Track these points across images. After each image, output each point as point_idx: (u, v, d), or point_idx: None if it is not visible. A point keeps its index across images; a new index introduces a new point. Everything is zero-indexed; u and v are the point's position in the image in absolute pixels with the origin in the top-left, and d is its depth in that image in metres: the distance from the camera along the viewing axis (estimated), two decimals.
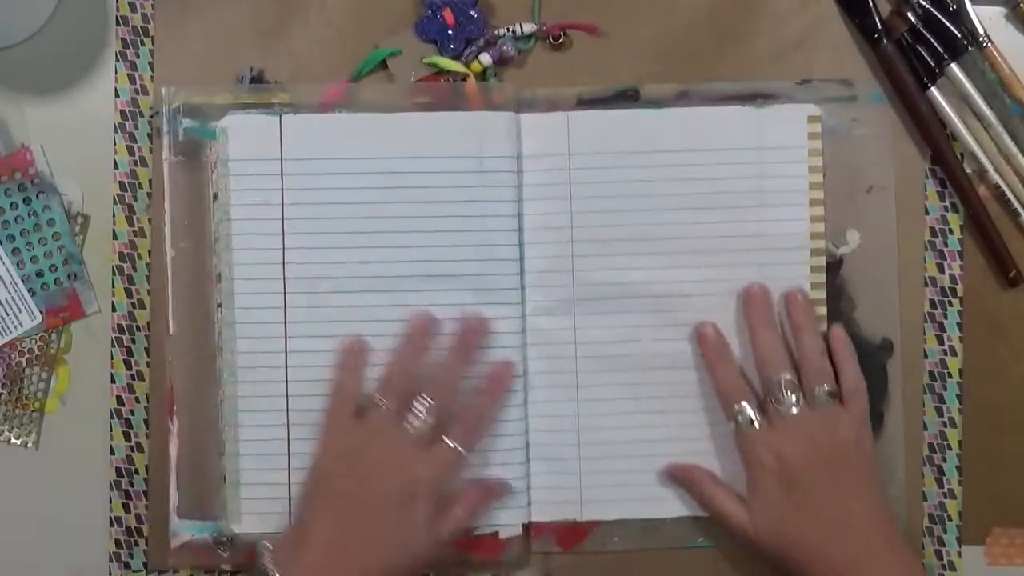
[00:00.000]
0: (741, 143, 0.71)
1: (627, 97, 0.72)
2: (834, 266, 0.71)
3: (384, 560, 0.65)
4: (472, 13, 0.71)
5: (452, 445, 0.67)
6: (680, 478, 0.71)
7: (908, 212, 0.72)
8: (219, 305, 0.71)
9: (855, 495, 0.67)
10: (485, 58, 0.71)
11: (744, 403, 0.68)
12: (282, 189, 0.70)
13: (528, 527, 0.71)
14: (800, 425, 0.67)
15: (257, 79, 0.72)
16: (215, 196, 0.71)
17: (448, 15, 0.71)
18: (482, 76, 0.72)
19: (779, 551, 0.66)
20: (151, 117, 0.72)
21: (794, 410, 0.67)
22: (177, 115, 0.71)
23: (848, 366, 0.69)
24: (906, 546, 0.67)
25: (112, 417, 0.72)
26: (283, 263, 0.70)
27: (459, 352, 0.69)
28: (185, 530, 0.71)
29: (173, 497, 0.71)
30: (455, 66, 0.71)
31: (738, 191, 0.71)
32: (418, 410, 0.67)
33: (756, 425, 0.67)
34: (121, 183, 0.73)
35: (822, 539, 0.65)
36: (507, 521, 0.71)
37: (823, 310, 0.71)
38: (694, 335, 0.71)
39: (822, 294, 0.71)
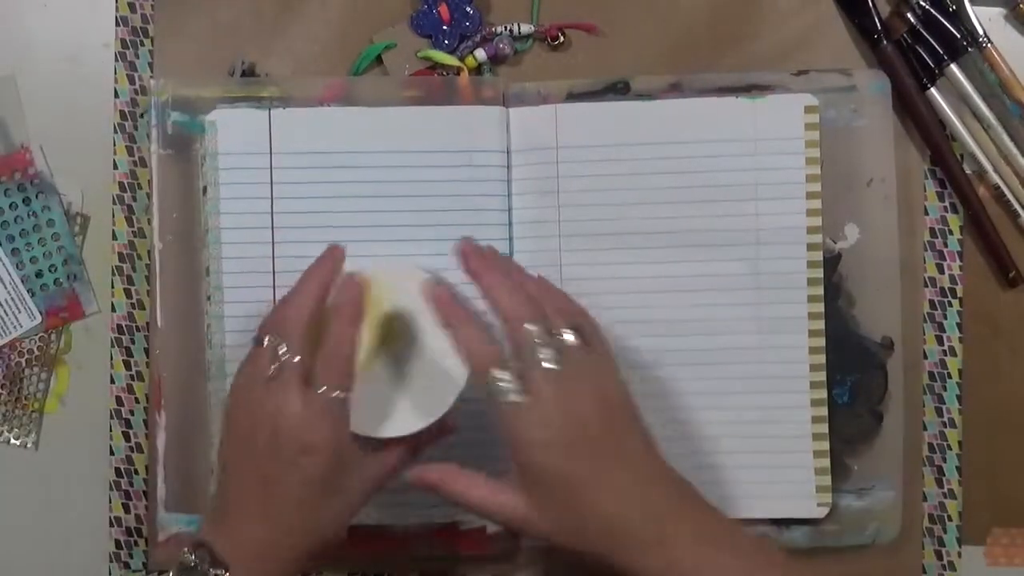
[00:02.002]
0: (735, 134, 0.71)
1: (617, 90, 0.72)
2: (832, 261, 0.71)
3: (295, 520, 0.60)
4: (468, 9, 0.72)
5: (321, 390, 0.60)
6: (429, 487, 0.62)
7: (908, 212, 0.72)
8: (208, 298, 0.71)
9: (638, 449, 0.60)
10: (480, 54, 0.72)
11: (497, 371, 0.59)
12: (271, 183, 0.70)
13: None
14: (562, 383, 0.59)
15: (248, 72, 0.72)
16: (204, 189, 0.71)
17: (444, 10, 0.72)
18: (477, 72, 0.72)
19: (570, 536, 0.59)
20: (142, 114, 0.72)
21: (553, 366, 0.59)
22: (166, 108, 0.71)
23: (566, 301, 0.62)
24: (694, 488, 0.61)
25: (112, 417, 0.72)
26: (272, 257, 0.70)
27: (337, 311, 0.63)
28: (172, 523, 0.71)
29: (161, 490, 0.71)
30: (449, 60, 0.72)
31: (732, 184, 0.70)
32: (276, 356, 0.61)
33: (515, 395, 0.59)
34: (121, 183, 0.73)
35: (619, 508, 0.58)
36: None
37: (820, 307, 0.70)
38: (434, 298, 0.63)
39: (819, 290, 0.70)
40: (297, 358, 0.60)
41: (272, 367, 0.60)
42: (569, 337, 0.60)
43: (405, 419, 0.63)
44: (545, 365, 0.59)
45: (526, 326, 0.59)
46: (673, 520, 0.58)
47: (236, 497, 0.61)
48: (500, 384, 0.59)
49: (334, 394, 0.60)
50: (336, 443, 0.60)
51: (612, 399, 0.60)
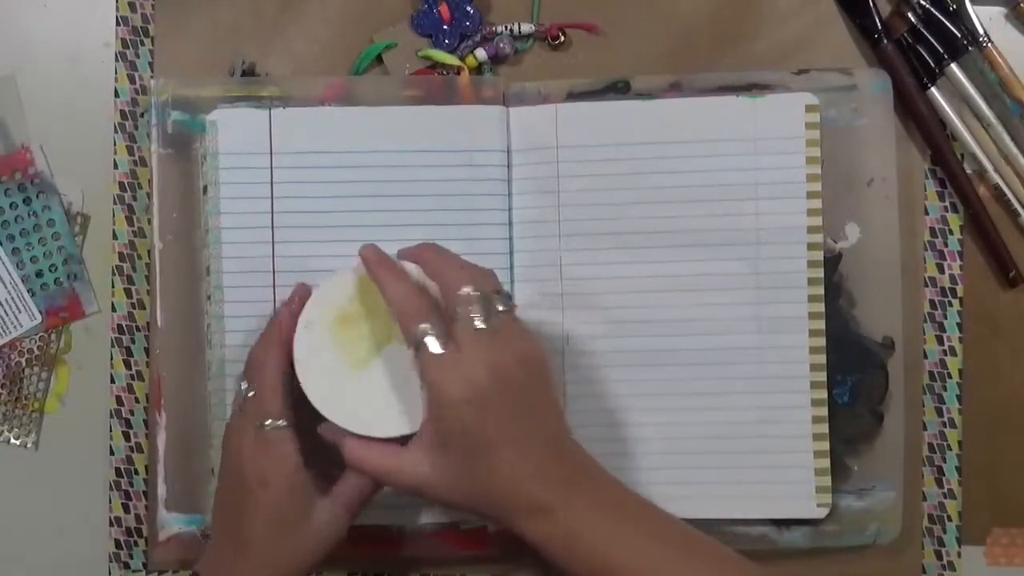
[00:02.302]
0: (735, 134, 0.70)
1: (617, 90, 0.72)
2: (832, 261, 0.71)
3: (266, 552, 0.61)
4: (468, 9, 0.72)
5: (263, 424, 0.62)
6: (333, 445, 0.63)
7: (908, 212, 0.72)
8: (208, 298, 0.71)
9: (549, 419, 0.61)
10: (480, 53, 0.72)
11: (426, 324, 0.59)
12: (271, 183, 0.70)
13: None
14: (488, 343, 0.59)
15: (248, 72, 0.72)
16: (204, 189, 0.71)
17: (444, 9, 0.72)
18: (477, 71, 0.72)
19: (468, 497, 0.59)
20: (142, 114, 0.72)
21: (482, 325, 0.59)
22: (166, 107, 0.71)
23: (469, 271, 0.62)
24: (600, 465, 0.61)
25: (112, 417, 0.72)
26: (272, 256, 0.70)
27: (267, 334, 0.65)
28: (172, 523, 0.71)
29: (161, 490, 0.71)
30: (449, 59, 0.72)
31: (732, 183, 0.70)
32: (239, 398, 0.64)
33: (439, 348, 0.58)
34: (121, 183, 0.73)
35: (520, 471, 0.58)
36: None
37: (821, 306, 0.70)
38: (364, 258, 0.63)
39: (819, 290, 0.70)
40: (251, 394, 0.63)
41: (238, 407, 0.64)
42: (500, 306, 0.60)
43: (400, 420, 0.62)
44: (476, 323, 0.59)
45: (461, 289, 0.60)
46: (571, 489, 0.59)
47: (218, 533, 0.65)
48: (425, 338, 0.58)
49: (267, 423, 0.62)
50: (287, 473, 0.61)
51: (534, 365, 0.60)
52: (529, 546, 0.59)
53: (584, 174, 0.71)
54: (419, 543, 0.71)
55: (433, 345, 0.58)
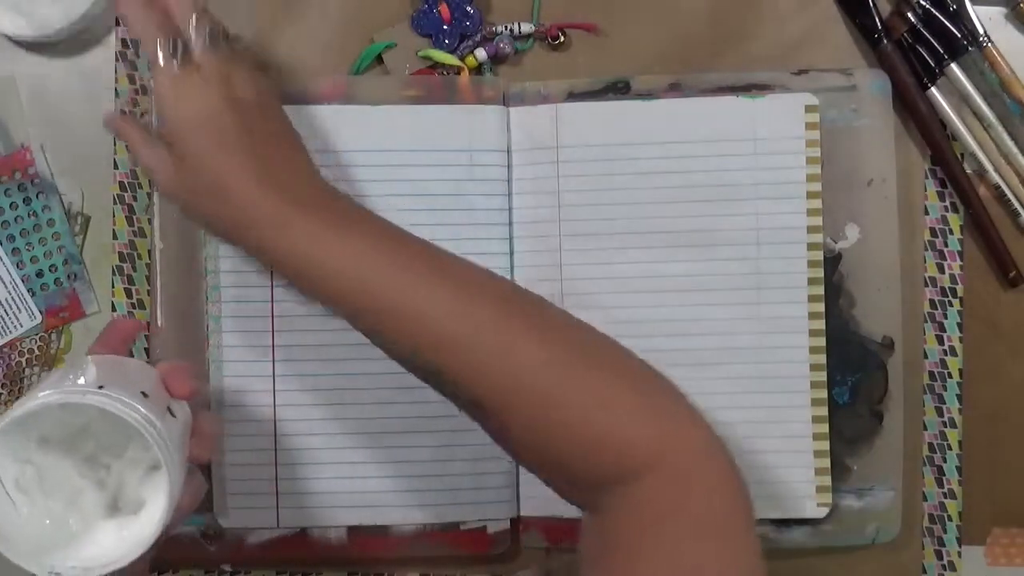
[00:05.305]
0: (735, 134, 0.70)
1: (617, 89, 0.72)
2: (832, 261, 0.71)
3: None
4: (468, 9, 0.72)
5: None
6: (113, 129, 0.65)
7: (908, 212, 0.72)
8: (208, 298, 0.71)
9: (298, 150, 0.62)
10: (480, 53, 0.72)
11: (163, 41, 0.60)
12: None
13: (516, 522, 0.71)
14: (226, 64, 0.60)
15: None
16: None
17: (444, 9, 0.72)
18: (477, 71, 0.72)
19: (201, 209, 0.60)
20: (142, 114, 0.72)
21: (218, 46, 0.61)
22: None
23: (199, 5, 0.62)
24: (349, 199, 0.62)
25: None
26: None
27: None
28: None
29: None
30: (449, 59, 0.72)
31: (732, 183, 0.70)
32: None
33: (175, 64, 0.59)
34: (121, 183, 0.73)
35: (259, 193, 0.58)
36: (495, 516, 0.71)
37: (821, 307, 0.70)
38: None
39: (819, 290, 0.70)
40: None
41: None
42: (236, 33, 0.63)
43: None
44: (211, 44, 0.60)
45: (195, 15, 0.61)
46: (313, 208, 0.58)
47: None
48: (160, 55, 0.59)
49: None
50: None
51: (272, 105, 0.62)
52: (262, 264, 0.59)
53: (584, 174, 0.71)
54: (419, 543, 0.71)
55: (167, 61, 0.59)
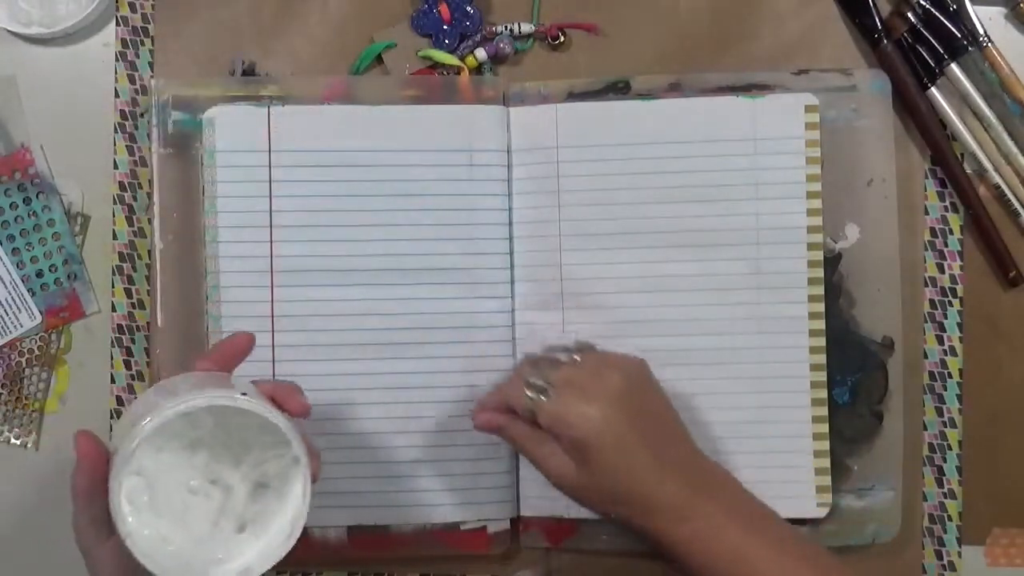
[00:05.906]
0: (735, 134, 0.70)
1: (617, 90, 0.72)
2: (832, 261, 0.71)
3: None
4: (468, 9, 0.72)
5: None
6: (493, 430, 0.66)
7: (908, 212, 0.72)
8: (207, 297, 0.71)
9: (677, 429, 0.65)
10: (480, 53, 0.72)
11: (527, 385, 0.63)
12: (270, 181, 0.70)
13: (516, 522, 0.71)
14: (588, 367, 0.63)
15: (248, 71, 0.72)
16: (204, 188, 0.71)
17: (444, 9, 0.72)
18: (477, 71, 0.72)
19: (606, 503, 0.63)
20: (142, 114, 0.72)
21: (576, 358, 0.64)
22: (167, 107, 0.71)
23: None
24: (732, 475, 0.64)
25: (112, 417, 0.72)
26: (271, 256, 0.70)
27: None
28: None
29: None
30: (449, 59, 0.72)
31: (732, 183, 0.70)
32: None
33: (548, 394, 0.62)
34: (121, 183, 0.73)
35: (659, 479, 0.61)
36: (495, 516, 0.71)
37: (821, 306, 0.70)
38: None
39: (819, 290, 0.70)
40: None
41: None
42: (575, 344, 0.66)
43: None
44: (563, 359, 0.64)
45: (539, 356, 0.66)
46: (708, 494, 0.61)
47: None
48: (531, 391, 0.62)
49: None
50: None
51: (643, 376, 0.64)
52: (654, 545, 0.62)
53: (584, 174, 0.71)
54: (419, 543, 0.71)
55: (537, 394, 0.62)
